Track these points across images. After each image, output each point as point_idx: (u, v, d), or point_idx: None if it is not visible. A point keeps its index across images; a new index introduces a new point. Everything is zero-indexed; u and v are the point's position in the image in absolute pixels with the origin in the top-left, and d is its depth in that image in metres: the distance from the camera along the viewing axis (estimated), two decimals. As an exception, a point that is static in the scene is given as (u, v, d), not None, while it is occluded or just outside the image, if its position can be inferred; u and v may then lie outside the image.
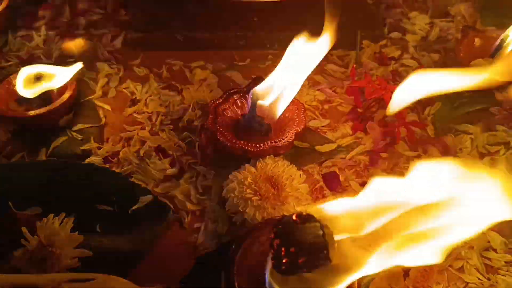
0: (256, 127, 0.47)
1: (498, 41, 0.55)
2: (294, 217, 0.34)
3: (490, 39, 0.56)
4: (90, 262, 0.40)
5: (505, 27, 0.62)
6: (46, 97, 0.51)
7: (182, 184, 0.47)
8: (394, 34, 0.63)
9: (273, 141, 0.46)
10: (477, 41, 0.56)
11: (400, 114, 0.50)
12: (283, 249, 0.33)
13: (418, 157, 0.50)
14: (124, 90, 0.57)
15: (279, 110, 0.45)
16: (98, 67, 0.59)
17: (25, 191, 0.45)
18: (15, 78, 0.53)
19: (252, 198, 0.42)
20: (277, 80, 0.45)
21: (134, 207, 0.44)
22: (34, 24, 0.65)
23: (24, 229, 0.40)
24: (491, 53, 0.55)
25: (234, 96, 0.50)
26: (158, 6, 0.62)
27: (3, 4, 0.63)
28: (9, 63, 0.60)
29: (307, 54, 0.45)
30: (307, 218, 0.34)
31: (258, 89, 0.45)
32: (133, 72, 0.59)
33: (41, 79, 0.50)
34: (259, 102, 0.44)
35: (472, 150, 0.50)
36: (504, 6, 0.65)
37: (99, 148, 0.50)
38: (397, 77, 0.58)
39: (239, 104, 0.50)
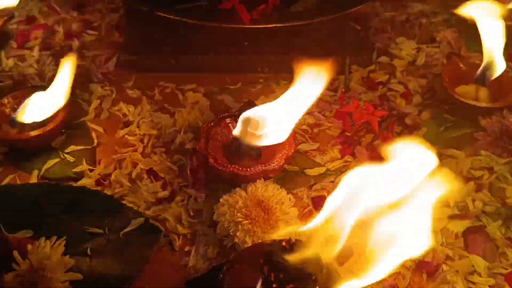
0: (246, 151, 0.48)
1: (481, 68, 0.56)
2: (283, 243, 0.35)
3: (474, 65, 0.58)
4: (80, 286, 0.40)
5: (489, 53, 0.64)
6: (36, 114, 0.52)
7: (173, 207, 0.47)
8: (382, 59, 0.65)
9: (263, 165, 0.47)
10: (461, 67, 0.58)
11: (387, 138, 0.51)
12: (272, 274, 0.34)
13: (405, 181, 0.51)
14: (116, 112, 0.57)
15: (271, 140, 0.46)
16: (91, 89, 0.59)
17: (17, 213, 0.45)
18: (8, 100, 0.53)
19: (243, 222, 0.43)
20: (272, 111, 0.46)
21: (125, 230, 0.45)
22: (27, 44, 0.66)
23: (15, 253, 0.40)
24: (475, 79, 0.57)
25: (226, 119, 0.51)
26: (151, 29, 0.63)
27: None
28: (2, 83, 0.61)
29: (305, 90, 0.46)
30: (296, 244, 0.35)
31: (250, 115, 0.46)
32: (126, 94, 0.59)
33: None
34: (250, 130, 0.45)
35: (457, 174, 0.51)
36: (488, 33, 0.67)
37: (91, 170, 0.51)
38: (385, 101, 0.59)
39: (231, 128, 0.51)
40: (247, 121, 0.46)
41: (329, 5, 0.56)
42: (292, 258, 0.34)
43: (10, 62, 0.63)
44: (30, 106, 0.50)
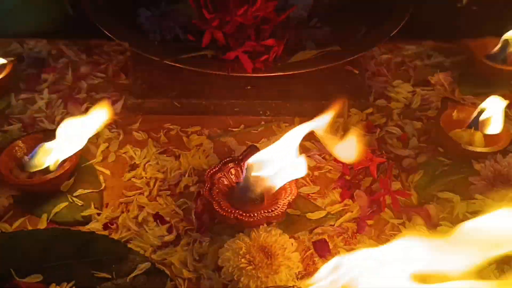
0: (250, 196, 0.50)
1: (475, 114, 0.59)
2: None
3: (468, 110, 0.61)
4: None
5: (482, 95, 0.67)
6: (47, 162, 0.54)
7: (178, 251, 0.49)
8: (380, 102, 0.67)
9: (266, 211, 0.48)
10: (455, 114, 0.60)
11: (385, 183, 0.53)
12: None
13: (403, 224, 0.52)
14: (123, 154, 0.59)
15: (275, 185, 0.48)
16: (99, 132, 0.61)
17: (26, 258, 0.46)
18: (19, 144, 0.55)
19: (247, 268, 0.44)
20: (275, 155, 0.48)
21: (132, 275, 0.46)
22: (37, 87, 0.68)
23: (26, 299, 0.41)
24: (469, 124, 0.59)
25: (229, 164, 0.53)
26: (157, 73, 0.65)
27: (8, 68, 0.66)
28: (11, 126, 0.63)
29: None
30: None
31: (254, 161, 0.48)
32: (132, 137, 0.62)
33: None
34: (254, 174, 0.47)
35: (453, 218, 0.53)
36: (480, 77, 0.70)
37: (98, 214, 0.52)
38: (383, 144, 0.61)
39: (234, 173, 0.53)
40: (251, 168, 0.48)
41: (327, 56, 0.59)
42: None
43: (20, 104, 0.65)
44: (41, 154, 0.51)
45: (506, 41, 0.69)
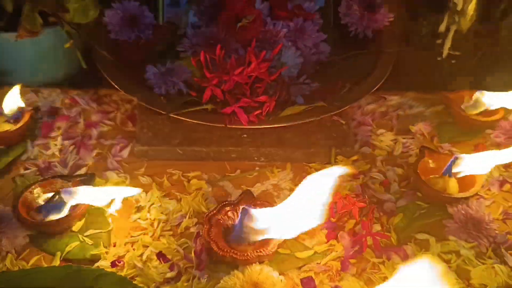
0: (244, 237, 0.55)
1: (450, 162, 0.65)
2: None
3: (444, 158, 0.67)
4: None
5: (459, 143, 0.74)
6: (61, 206, 0.59)
7: (179, 287, 0.54)
8: (364, 149, 0.73)
9: (259, 251, 0.54)
10: (431, 162, 0.66)
11: (367, 225, 0.59)
12: None
13: (383, 263, 0.58)
14: (129, 197, 0.65)
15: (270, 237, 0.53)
16: (107, 176, 0.67)
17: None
18: (36, 189, 0.61)
19: (240, 302, 0.49)
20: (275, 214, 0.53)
21: (137, 309, 0.51)
22: (51, 134, 0.75)
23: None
24: (443, 171, 0.65)
25: (226, 208, 0.59)
26: (161, 122, 0.72)
27: (26, 117, 0.72)
28: (28, 170, 0.69)
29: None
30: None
31: (252, 212, 0.53)
32: (138, 181, 0.67)
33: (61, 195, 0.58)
34: (252, 225, 0.53)
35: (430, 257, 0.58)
36: (456, 126, 0.77)
37: (106, 253, 0.58)
38: (366, 189, 0.67)
39: (230, 216, 0.59)
40: (245, 214, 0.53)
41: (315, 109, 0.66)
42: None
43: (36, 150, 0.72)
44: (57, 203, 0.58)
45: (481, 94, 0.76)
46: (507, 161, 0.64)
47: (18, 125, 0.71)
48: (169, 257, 0.57)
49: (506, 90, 0.76)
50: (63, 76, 0.89)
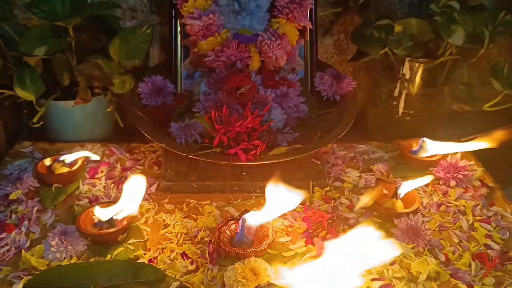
0: (244, 241, 0.77)
1: (396, 188, 0.87)
2: None
3: (393, 186, 0.89)
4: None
5: (408, 178, 0.96)
6: (111, 222, 0.81)
7: (198, 275, 0.75)
8: (336, 183, 0.96)
9: (255, 248, 0.75)
10: (384, 190, 0.89)
11: (334, 233, 0.80)
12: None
13: (346, 260, 0.79)
14: (158, 218, 0.87)
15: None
16: (141, 204, 0.90)
17: (100, 280, 0.72)
18: (91, 210, 0.83)
19: (242, 280, 0.70)
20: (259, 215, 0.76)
21: (168, 290, 0.72)
22: (96, 175, 0.98)
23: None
24: (392, 195, 0.87)
25: (231, 221, 0.81)
26: (181, 164, 0.95)
27: (79, 163, 0.96)
28: (80, 201, 0.91)
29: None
30: None
31: (247, 217, 0.76)
32: (164, 207, 0.90)
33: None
34: (248, 223, 0.75)
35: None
36: (406, 166, 1.00)
37: (144, 254, 0.79)
38: (335, 211, 0.89)
39: (234, 227, 0.81)
40: (244, 221, 0.75)
41: (295, 150, 0.90)
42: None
43: (86, 187, 0.94)
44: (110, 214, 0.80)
45: (423, 141, 1.00)
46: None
47: (73, 169, 0.95)
48: (190, 256, 0.78)
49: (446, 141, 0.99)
50: (102, 134, 1.13)
